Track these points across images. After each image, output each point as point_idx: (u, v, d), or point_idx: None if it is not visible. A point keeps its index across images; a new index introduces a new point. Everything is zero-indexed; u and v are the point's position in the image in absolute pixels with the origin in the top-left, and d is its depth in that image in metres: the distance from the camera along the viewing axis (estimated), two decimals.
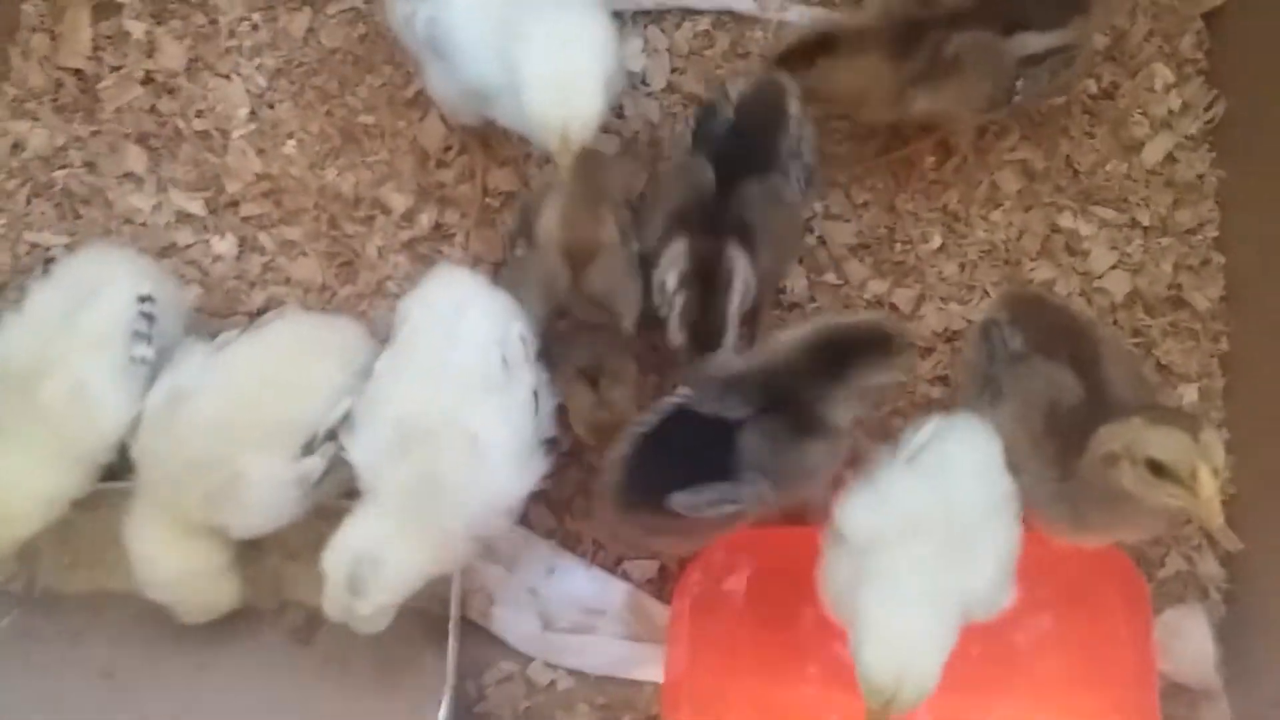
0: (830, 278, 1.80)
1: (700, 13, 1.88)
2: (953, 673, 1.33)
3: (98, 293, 1.57)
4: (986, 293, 1.78)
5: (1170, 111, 1.82)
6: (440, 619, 1.61)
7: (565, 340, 1.55)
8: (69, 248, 1.80)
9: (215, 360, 1.55)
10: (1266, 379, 1.70)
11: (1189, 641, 1.61)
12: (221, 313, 1.78)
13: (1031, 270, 1.79)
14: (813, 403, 1.50)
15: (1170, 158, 1.82)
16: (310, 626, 1.64)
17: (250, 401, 1.51)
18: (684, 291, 1.53)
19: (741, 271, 1.53)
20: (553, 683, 1.67)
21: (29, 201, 1.82)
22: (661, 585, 1.69)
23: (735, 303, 1.53)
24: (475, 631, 1.66)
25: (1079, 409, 1.44)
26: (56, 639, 1.64)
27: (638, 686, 1.66)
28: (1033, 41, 1.64)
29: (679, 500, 1.44)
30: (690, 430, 1.47)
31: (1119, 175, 1.82)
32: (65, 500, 1.55)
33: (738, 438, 1.46)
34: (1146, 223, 1.80)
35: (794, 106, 1.60)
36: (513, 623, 1.68)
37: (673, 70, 1.86)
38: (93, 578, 1.65)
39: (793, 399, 1.49)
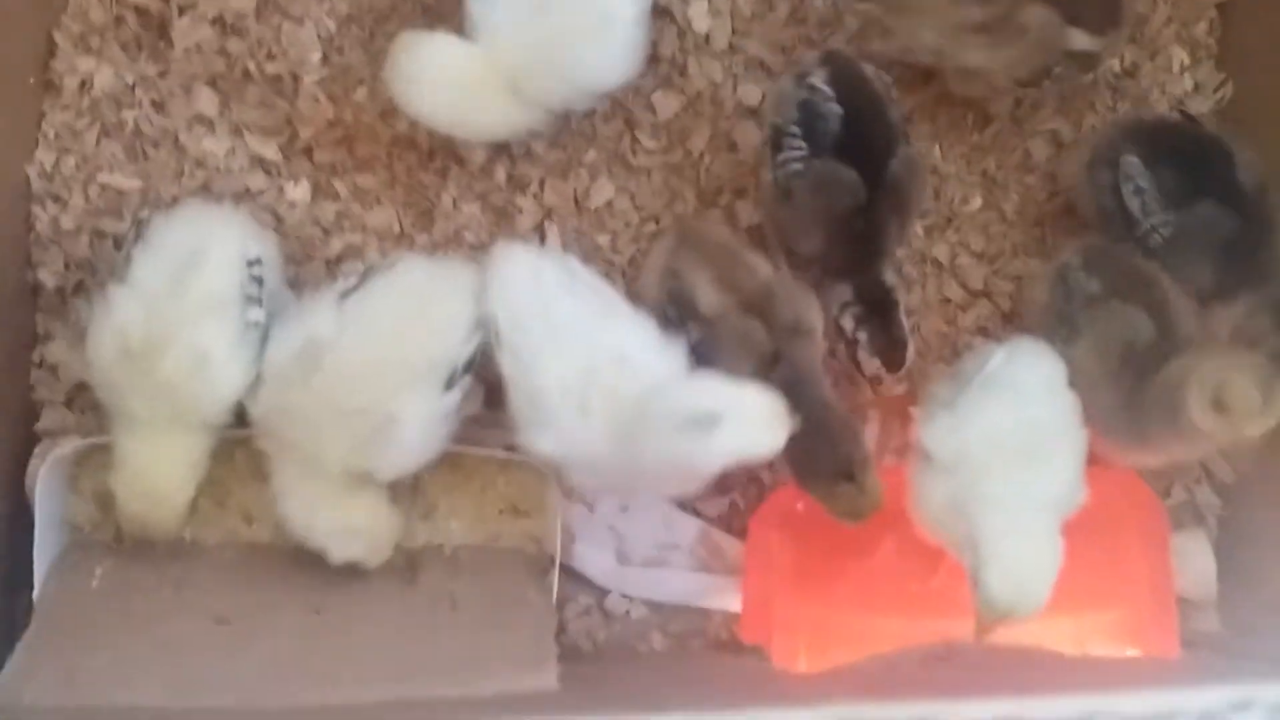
0: None
1: None
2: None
3: (204, 257, 1.55)
4: (1017, 251, 1.91)
5: (1185, 91, 1.96)
6: (535, 557, 1.71)
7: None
8: (141, 191, 1.77)
9: (348, 308, 1.55)
10: None
11: (1193, 562, 1.80)
12: (297, 259, 1.78)
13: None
14: None
15: None
16: (411, 567, 1.69)
17: (396, 343, 1.54)
18: (864, 328, 1.69)
19: (899, 291, 1.73)
20: (627, 613, 1.78)
21: (99, 142, 1.78)
22: (731, 520, 1.80)
23: (905, 319, 1.71)
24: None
25: (1152, 346, 1.61)
26: (159, 588, 1.63)
27: (707, 615, 1.77)
28: (1079, 40, 1.74)
29: None
30: None
31: None
32: (204, 462, 1.57)
33: None
34: None
35: (869, 70, 1.71)
36: (592, 558, 1.77)
37: (734, 32, 1.90)
38: (186, 527, 1.66)
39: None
